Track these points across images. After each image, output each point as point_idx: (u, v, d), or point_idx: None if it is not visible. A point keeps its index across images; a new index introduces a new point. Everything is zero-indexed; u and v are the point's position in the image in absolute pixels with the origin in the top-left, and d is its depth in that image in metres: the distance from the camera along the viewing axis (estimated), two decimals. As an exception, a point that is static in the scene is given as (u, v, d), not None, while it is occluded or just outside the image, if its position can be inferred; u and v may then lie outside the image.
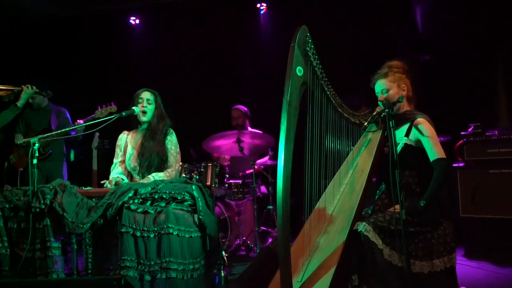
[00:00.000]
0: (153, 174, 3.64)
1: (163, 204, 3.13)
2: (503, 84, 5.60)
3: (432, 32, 5.90)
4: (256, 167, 5.27)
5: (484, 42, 5.57)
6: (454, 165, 4.70)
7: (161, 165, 3.75)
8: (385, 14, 6.09)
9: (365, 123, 3.03)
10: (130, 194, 3.14)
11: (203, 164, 5.12)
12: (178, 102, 6.24)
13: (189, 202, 3.17)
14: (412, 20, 6.10)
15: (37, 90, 4.84)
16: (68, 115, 5.19)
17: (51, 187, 3.22)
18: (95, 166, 5.12)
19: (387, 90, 3.10)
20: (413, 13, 6.10)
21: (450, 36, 5.72)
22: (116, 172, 3.77)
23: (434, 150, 2.89)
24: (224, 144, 5.19)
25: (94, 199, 3.24)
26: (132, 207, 3.09)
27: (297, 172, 2.62)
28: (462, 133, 4.75)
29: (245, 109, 5.92)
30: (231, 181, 5.44)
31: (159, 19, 7.30)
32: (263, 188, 5.77)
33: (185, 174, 4.92)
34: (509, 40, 5.46)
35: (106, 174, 3.84)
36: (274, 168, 5.46)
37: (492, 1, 5.48)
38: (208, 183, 5.01)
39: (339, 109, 2.95)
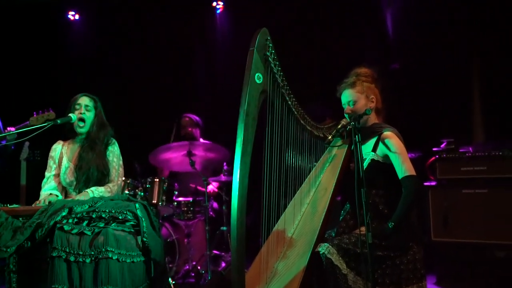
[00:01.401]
0: (92, 188, 3.57)
1: (101, 225, 3.08)
2: (478, 97, 5.71)
3: (403, 39, 6.01)
4: (209, 187, 5.26)
5: (460, 52, 5.69)
6: (425, 184, 4.78)
7: (101, 180, 3.68)
8: (353, 18, 6.19)
9: (330, 137, 2.98)
10: (64, 213, 3.08)
11: (149, 180, 5.08)
12: (121, 109, 6.19)
13: (131, 223, 3.14)
14: (382, 25, 6.21)
15: None
16: None
17: (-31, 205, 3.13)
18: (23, 181, 4.98)
19: (354, 102, 3.10)
20: (383, 18, 6.21)
21: (423, 45, 5.82)
22: (49, 187, 3.67)
23: (403, 167, 2.92)
24: (174, 157, 5.16)
25: (21, 219, 3.15)
26: (66, 227, 3.03)
27: (254, 190, 2.63)
28: (434, 149, 4.85)
29: (197, 118, 5.90)
30: (180, 198, 5.39)
31: (102, 14, 7.22)
32: (215, 204, 5.75)
33: (128, 190, 4.87)
34: (486, 51, 5.60)
35: (36, 190, 3.74)
36: (228, 184, 5.45)
37: (469, 13, 5.61)
38: (154, 201, 4.97)
39: (302, 121, 2.98)
